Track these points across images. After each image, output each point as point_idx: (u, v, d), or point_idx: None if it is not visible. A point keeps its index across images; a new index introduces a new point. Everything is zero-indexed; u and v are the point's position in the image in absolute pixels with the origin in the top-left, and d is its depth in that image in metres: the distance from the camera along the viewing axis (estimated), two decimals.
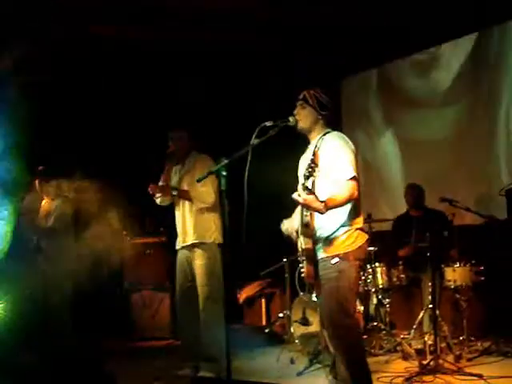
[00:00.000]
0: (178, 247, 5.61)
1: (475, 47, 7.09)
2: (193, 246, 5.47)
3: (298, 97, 4.13)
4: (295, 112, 4.09)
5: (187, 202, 5.50)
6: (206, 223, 5.43)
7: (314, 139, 4.09)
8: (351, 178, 3.86)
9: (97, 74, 7.35)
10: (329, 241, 3.92)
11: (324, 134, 4.06)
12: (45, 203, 6.52)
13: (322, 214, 3.72)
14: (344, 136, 4.06)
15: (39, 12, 6.05)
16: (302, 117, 4.07)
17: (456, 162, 7.18)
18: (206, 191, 5.32)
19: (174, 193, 5.51)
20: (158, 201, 5.66)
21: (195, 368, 5.44)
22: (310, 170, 3.70)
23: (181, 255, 5.57)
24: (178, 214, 5.62)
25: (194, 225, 5.45)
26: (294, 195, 3.74)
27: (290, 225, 4.20)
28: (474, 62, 7.10)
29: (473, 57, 7.10)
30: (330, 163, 3.89)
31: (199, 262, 5.41)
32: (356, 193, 3.86)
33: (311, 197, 3.67)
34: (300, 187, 3.84)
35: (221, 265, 5.35)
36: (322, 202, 3.68)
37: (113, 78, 7.48)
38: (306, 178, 3.72)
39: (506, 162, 6.77)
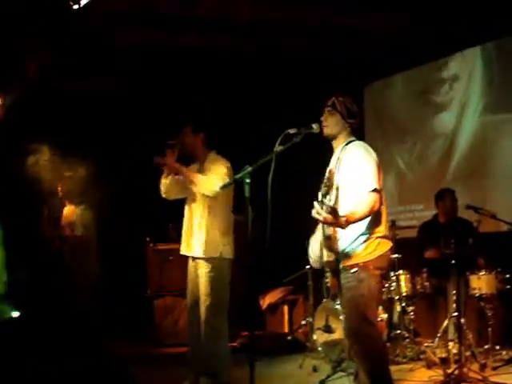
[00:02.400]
0: (182, 253, 5.38)
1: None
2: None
3: (326, 103, 4.09)
4: (323, 118, 4.06)
5: (200, 209, 5.23)
6: (215, 238, 5.16)
7: (338, 148, 4.07)
8: (373, 191, 3.83)
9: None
10: (348, 250, 3.91)
11: (347, 143, 4.04)
12: (67, 210, 6.55)
13: (342, 229, 3.74)
14: (367, 146, 4.03)
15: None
16: (330, 123, 4.05)
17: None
18: (216, 178, 5.03)
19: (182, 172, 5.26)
20: (162, 190, 5.36)
21: (195, 382, 5.19)
22: (325, 188, 3.71)
23: (190, 266, 5.36)
24: (186, 218, 5.34)
25: (204, 240, 5.16)
26: (313, 213, 3.67)
27: (314, 249, 4.12)
28: None
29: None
30: (352, 174, 3.89)
31: (203, 270, 5.16)
32: (377, 205, 3.84)
33: (330, 216, 3.62)
34: (317, 205, 3.71)
35: (228, 278, 5.16)
36: (342, 217, 3.67)
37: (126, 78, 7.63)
38: (324, 196, 3.72)
39: None
